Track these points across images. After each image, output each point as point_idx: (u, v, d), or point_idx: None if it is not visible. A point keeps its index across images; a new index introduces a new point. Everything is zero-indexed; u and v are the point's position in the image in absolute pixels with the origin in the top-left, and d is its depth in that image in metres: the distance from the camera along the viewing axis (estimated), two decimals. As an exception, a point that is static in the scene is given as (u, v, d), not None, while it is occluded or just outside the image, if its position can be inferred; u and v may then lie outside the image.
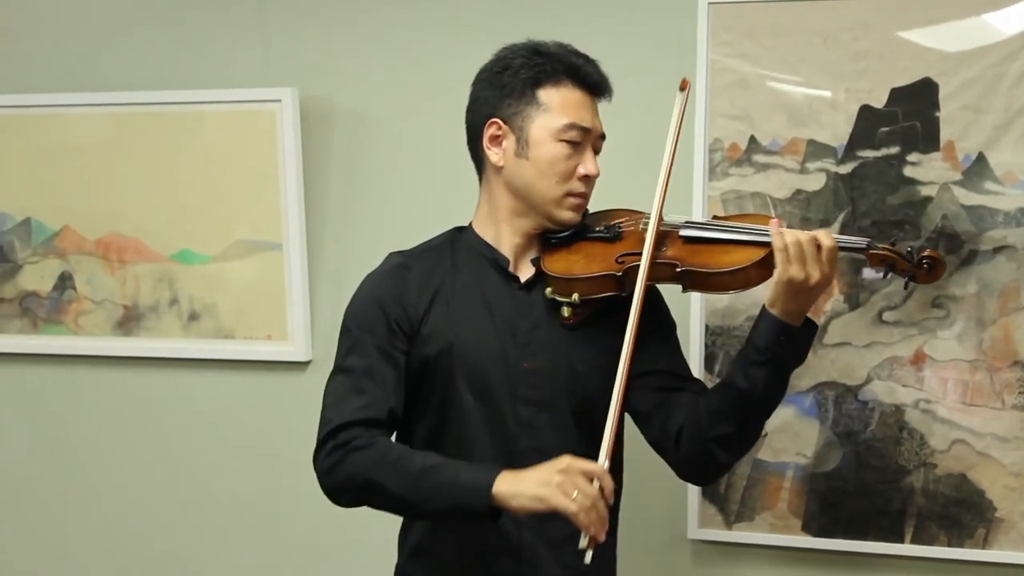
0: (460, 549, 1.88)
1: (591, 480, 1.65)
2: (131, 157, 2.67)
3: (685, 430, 1.83)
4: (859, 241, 1.83)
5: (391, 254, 1.95)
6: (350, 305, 1.91)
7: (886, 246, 1.83)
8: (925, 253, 1.82)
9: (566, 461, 1.66)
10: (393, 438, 1.88)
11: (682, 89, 1.89)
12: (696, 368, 2.31)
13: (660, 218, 1.84)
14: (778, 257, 1.73)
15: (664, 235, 1.85)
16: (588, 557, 1.64)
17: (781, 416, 2.30)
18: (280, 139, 2.55)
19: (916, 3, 2.19)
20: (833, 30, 2.23)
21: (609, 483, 1.66)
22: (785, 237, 1.73)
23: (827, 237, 1.74)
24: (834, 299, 2.27)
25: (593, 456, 1.80)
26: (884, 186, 2.23)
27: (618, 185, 2.00)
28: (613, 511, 1.97)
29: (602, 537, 1.64)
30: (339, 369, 1.87)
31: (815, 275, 1.72)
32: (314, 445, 1.83)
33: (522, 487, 1.66)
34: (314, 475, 2.02)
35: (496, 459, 1.82)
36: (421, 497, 1.73)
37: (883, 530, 2.29)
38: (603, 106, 1.91)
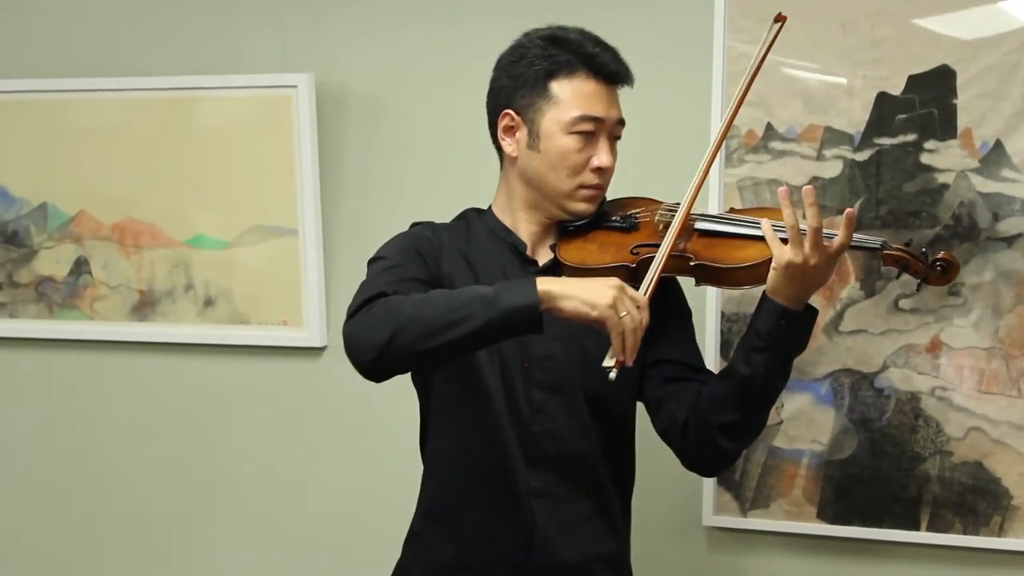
0: (471, 517, 1.87)
1: (638, 307, 1.64)
2: (147, 142, 2.67)
3: (691, 419, 1.83)
4: (873, 241, 1.80)
5: (415, 223, 1.94)
6: (382, 247, 1.87)
7: (900, 247, 1.80)
8: (939, 255, 1.79)
9: (619, 281, 1.65)
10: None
11: (776, 21, 1.87)
12: (712, 355, 2.31)
13: (688, 210, 1.81)
14: (775, 240, 1.71)
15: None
16: (613, 375, 1.64)
17: (797, 403, 2.30)
18: (296, 125, 2.55)
19: (934, -10, 2.19)
20: (850, 17, 2.22)
21: (647, 317, 1.66)
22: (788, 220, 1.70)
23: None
24: (850, 286, 2.27)
25: (607, 443, 1.82)
26: (901, 173, 2.23)
27: (630, 173, 1.99)
28: (626, 499, 1.98)
29: (630, 362, 1.64)
30: (370, 279, 1.80)
31: (813, 259, 1.69)
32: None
33: (574, 290, 1.63)
34: (326, 464, 2.03)
35: (510, 442, 1.83)
36: (462, 315, 1.63)
37: (898, 517, 2.30)
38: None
